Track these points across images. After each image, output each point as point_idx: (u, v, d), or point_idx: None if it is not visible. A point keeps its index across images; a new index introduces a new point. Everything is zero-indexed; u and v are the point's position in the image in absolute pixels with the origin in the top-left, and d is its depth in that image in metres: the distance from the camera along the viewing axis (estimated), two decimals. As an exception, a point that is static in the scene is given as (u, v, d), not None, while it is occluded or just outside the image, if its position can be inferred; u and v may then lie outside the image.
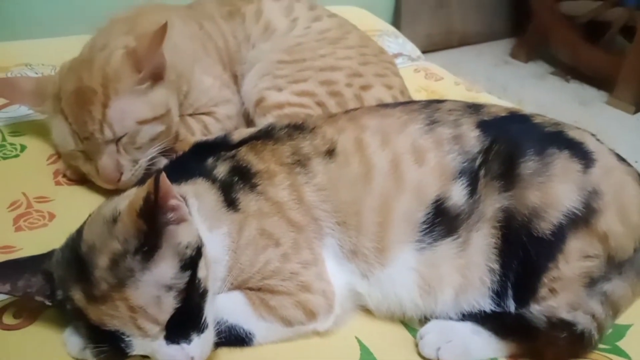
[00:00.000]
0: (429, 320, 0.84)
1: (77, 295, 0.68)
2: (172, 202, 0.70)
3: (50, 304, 0.73)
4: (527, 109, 2.89)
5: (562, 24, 3.04)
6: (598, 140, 0.92)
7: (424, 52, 3.05)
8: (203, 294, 0.71)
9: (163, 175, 0.66)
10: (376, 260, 0.84)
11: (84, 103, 0.96)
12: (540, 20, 3.11)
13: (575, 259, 0.81)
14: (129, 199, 0.70)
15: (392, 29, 1.95)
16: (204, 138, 0.97)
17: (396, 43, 1.82)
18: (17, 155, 1.08)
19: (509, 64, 3.39)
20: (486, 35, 3.57)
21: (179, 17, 1.21)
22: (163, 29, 0.97)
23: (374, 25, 1.93)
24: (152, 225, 0.67)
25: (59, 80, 1.01)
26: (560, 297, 0.80)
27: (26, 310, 0.79)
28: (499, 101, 1.58)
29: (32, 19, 2.09)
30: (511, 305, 0.81)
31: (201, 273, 0.71)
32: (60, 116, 0.99)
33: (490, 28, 3.55)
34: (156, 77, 1.03)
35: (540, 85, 3.13)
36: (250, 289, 0.81)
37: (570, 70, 3.16)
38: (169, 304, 0.66)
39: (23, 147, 1.10)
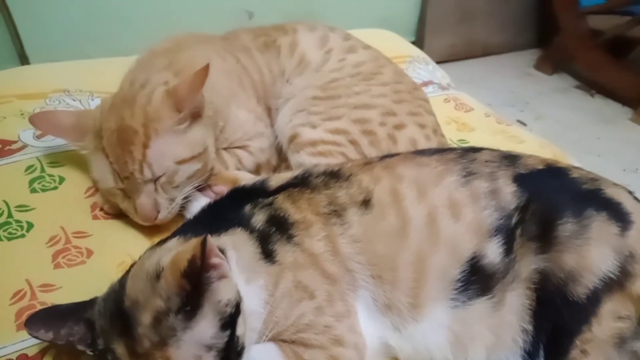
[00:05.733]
0: (459, 375, 0.84)
1: (120, 350, 0.69)
2: (215, 260, 0.72)
3: (91, 353, 0.74)
4: (549, 124, 2.87)
5: (587, 39, 3.03)
6: (635, 198, 0.91)
7: (446, 61, 3.07)
8: (240, 352, 0.72)
9: (210, 240, 0.67)
10: (410, 315, 0.84)
11: (125, 143, 0.98)
12: (566, 34, 3.09)
13: (608, 320, 0.80)
14: (172, 255, 0.71)
15: (422, 54, 1.94)
16: (242, 184, 0.98)
17: (426, 70, 1.82)
18: (55, 188, 1.10)
19: (532, 76, 3.37)
20: (510, 46, 3.57)
21: (216, 52, 1.22)
22: (205, 71, 0.98)
23: (404, 50, 1.92)
24: (195, 285, 0.68)
25: (100, 117, 1.02)
26: (590, 358, 0.80)
27: (65, 354, 0.81)
28: (528, 134, 1.57)
29: (67, 41, 2.19)
30: (542, 365, 0.82)
31: (239, 330, 0.72)
32: (100, 154, 1.00)
33: (514, 39, 3.55)
34: (195, 116, 1.04)
35: (564, 99, 3.11)
36: (284, 341, 0.82)
37: (594, 85, 3.13)
38: None
39: (62, 179, 1.12)
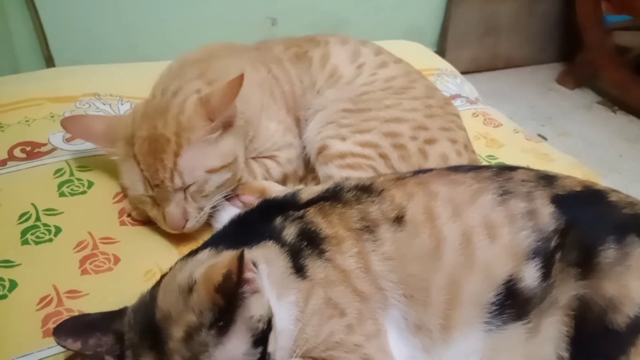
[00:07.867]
0: (489, 401, 0.81)
1: (149, 363, 0.68)
2: (249, 275, 0.70)
3: (118, 363, 0.73)
4: (571, 140, 2.83)
5: (613, 56, 2.99)
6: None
7: (467, 72, 3.04)
8: (271, 370, 0.71)
9: (246, 257, 0.66)
10: (441, 338, 0.82)
11: (157, 151, 0.97)
12: (591, 50, 3.05)
13: None
14: (204, 267, 0.70)
15: (451, 67, 1.92)
16: (272, 195, 0.96)
17: (454, 83, 1.80)
18: (84, 192, 1.09)
19: (554, 90, 3.32)
20: (532, 60, 3.54)
21: (249, 62, 1.22)
22: (239, 81, 0.98)
23: (432, 63, 1.90)
24: (229, 301, 0.66)
25: (132, 125, 1.02)
26: None
27: (92, 362, 0.80)
28: (558, 153, 1.54)
29: (93, 47, 2.21)
30: (578, 394, 0.79)
31: (271, 347, 0.71)
32: (131, 161, 1.00)
33: (537, 53, 3.52)
34: (227, 125, 1.04)
35: (586, 115, 3.07)
36: (314, 358, 0.80)
37: (617, 101, 3.09)
38: None
39: (90, 184, 1.11)
